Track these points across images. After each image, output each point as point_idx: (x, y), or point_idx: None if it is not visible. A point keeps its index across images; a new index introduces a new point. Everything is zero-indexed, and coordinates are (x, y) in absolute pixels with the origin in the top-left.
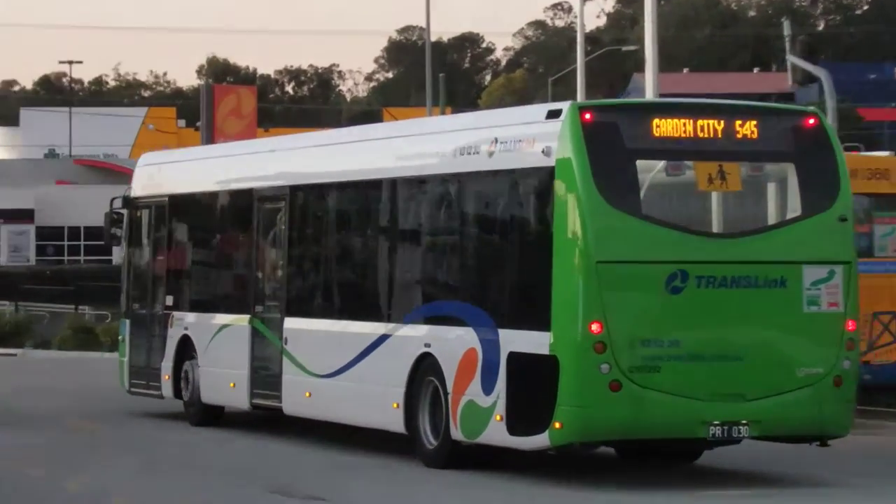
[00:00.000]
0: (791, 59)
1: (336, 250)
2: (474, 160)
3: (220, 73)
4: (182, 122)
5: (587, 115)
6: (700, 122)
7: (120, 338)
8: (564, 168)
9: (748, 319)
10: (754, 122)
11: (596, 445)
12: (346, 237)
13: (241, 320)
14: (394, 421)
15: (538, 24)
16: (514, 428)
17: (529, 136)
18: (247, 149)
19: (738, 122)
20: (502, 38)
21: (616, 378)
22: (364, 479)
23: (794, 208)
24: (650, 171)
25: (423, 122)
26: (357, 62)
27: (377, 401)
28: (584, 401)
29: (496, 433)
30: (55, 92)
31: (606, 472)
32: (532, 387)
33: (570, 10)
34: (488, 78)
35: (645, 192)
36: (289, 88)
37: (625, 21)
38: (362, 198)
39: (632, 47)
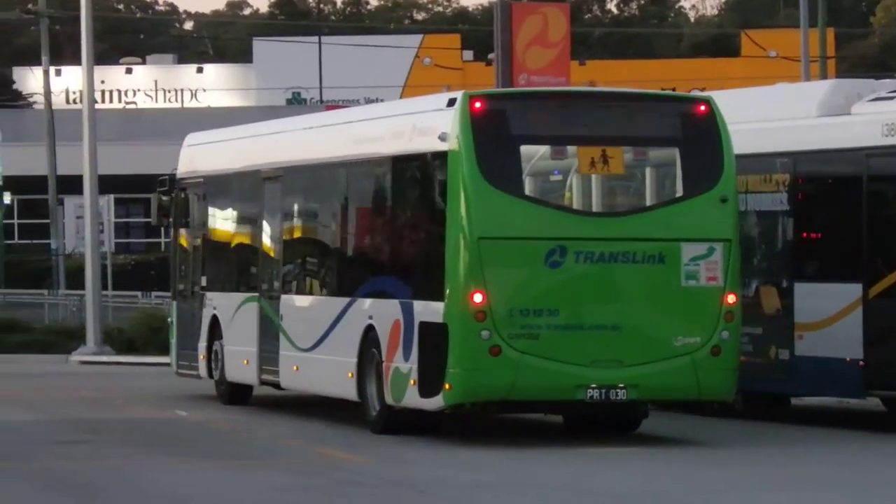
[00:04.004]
0: None
1: (308, 230)
2: (401, 144)
3: None
4: (469, 54)
5: (477, 104)
6: (589, 109)
7: (169, 320)
8: (454, 153)
9: (626, 292)
10: (643, 109)
11: (486, 407)
12: (314, 218)
13: (252, 299)
14: (349, 390)
15: None
16: (422, 391)
17: (434, 122)
18: (258, 130)
19: (627, 109)
20: None
21: (496, 344)
22: None
23: (677, 190)
24: (536, 155)
25: (367, 109)
26: None
27: (339, 371)
28: (467, 364)
29: (412, 396)
30: (298, 16)
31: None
32: (432, 352)
33: None
34: None
35: (529, 175)
36: (611, 6)
37: None
38: (323, 180)
39: None
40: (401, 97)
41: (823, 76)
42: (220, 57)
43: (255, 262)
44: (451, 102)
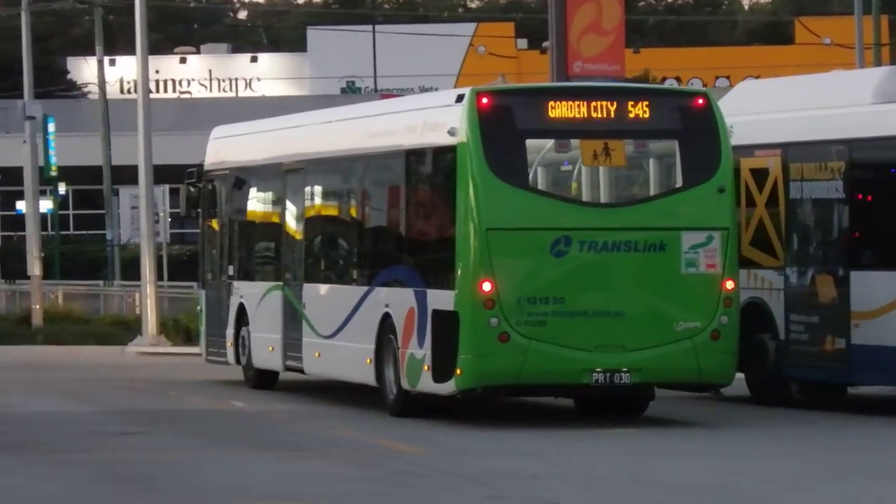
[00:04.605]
0: None
1: (328, 221)
2: (413, 138)
3: None
4: (523, 43)
5: (484, 100)
6: (591, 103)
7: (198, 308)
8: (463, 147)
9: (629, 280)
10: (645, 104)
11: (496, 391)
12: (334, 209)
13: (277, 288)
14: (368, 376)
15: None
16: (435, 376)
17: (444, 118)
18: (281, 124)
19: (630, 104)
20: None
21: (504, 331)
22: None
23: (677, 180)
24: (542, 149)
25: (382, 104)
26: None
27: (358, 357)
28: (477, 350)
29: (426, 381)
30: (352, 5)
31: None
32: (444, 339)
33: None
34: None
35: (534, 167)
36: None
37: None
38: (342, 172)
39: None
40: (455, 86)
41: (878, 63)
42: (275, 46)
43: (279, 252)
44: (460, 98)
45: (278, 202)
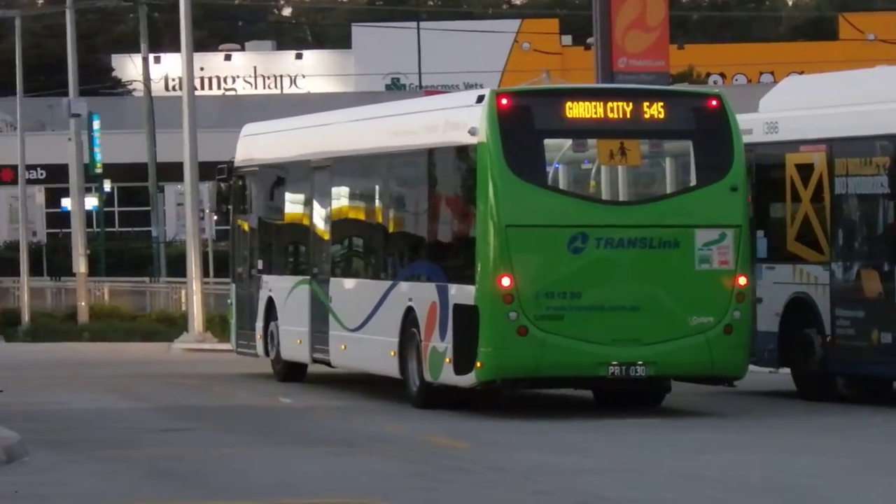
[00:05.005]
0: None
1: (354, 217)
2: (435, 137)
3: None
4: (567, 39)
5: (503, 101)
6: (608, 104)
7: (229, 301)
8: (483, 146)
9: (644, 275)
10: (659, 104)
11: (515, 384)
12: (359, 205)
13: (304, 282)
14: (392, 368)
15: None
16: (456, 368)
17: (464, 118)
18: (308, 122)
19: (645, 104)
20: None
21: (523, 324)
22: None
23: (691, 179)
24: (560, 148)
25: (405, 103)
26: None
27: (383, 350)
28: (496, 343)
29: (448, 374)
30: (396, 2)
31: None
32: (465, 332)
33: None
34: None
35: (552, 166)
36: None
37: None
38: (366, 170)
39: None
40: (500, 83)
41: None
42: (319, 43)
43: (307, 247)
44: (480, 99)
45: (305, 199)
